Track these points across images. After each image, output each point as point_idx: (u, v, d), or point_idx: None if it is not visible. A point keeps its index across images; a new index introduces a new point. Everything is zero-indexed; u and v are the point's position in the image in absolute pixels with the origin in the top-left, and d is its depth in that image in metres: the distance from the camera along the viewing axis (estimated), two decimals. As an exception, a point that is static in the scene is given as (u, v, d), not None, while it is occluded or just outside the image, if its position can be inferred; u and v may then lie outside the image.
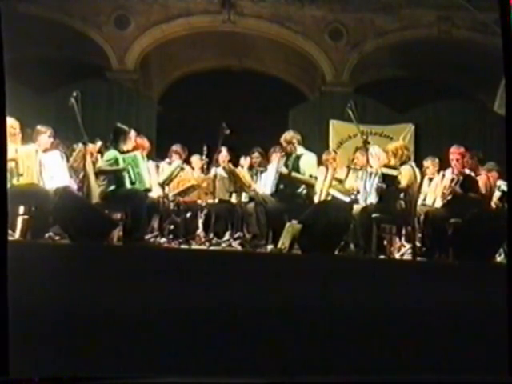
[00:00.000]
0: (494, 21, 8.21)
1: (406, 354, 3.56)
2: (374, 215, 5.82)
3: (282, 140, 6.60)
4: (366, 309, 3.83)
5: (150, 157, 7.00)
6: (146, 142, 7.00)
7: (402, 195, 5.97)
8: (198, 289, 3.88)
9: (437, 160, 7.00)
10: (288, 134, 6.62)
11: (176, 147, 7.31)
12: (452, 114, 9.92)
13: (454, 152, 6.27)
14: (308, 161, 6.45)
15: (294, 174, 6.36)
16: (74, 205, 5.64)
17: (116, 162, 5.98)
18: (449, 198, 6.07)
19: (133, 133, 6.33)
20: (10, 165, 5.46)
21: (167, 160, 7.22)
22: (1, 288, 2.73)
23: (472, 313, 3.80)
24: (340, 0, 10.20)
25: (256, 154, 7.57)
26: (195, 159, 7.36)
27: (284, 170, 6.39)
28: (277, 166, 6.55)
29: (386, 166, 6.15)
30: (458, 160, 6.21)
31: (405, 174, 5.97)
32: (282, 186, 6.41)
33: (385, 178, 6.00)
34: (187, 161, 7.32)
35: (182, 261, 4.75)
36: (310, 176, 6.41)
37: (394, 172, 5.98)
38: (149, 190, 6.13)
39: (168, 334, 3.55)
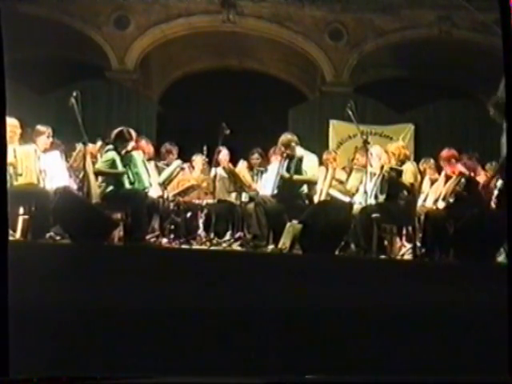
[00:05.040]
0: (494, 21, 8.19)
1: (405, 354, 3.56)
2: (374, 215, 5.82)
3: (279, 143, 6.56)
4: (366, 309, 3.83)
5: (154, 160, 7.02)
6: (150, 148, 7.02)
7: (405, 193, 5.98)
8: (198, 289, 3.88)
9: (432, 161, 7.00)
10: (285, 138, 6.54)
11: (164, 148, 7.27)
12: (452, 114, 9.93)
13: (444, 155, 6.30)
14: (310, 163, 6.43)
15: (295, 177, 6.35)
16: (74, 205, 5.63)
17: (114, 163, 5.98)
18: (449, 198, 6.07)
19: (135, 136, 6.32)
20: (10, 165, 5.46)
21: (163, 162, 7.19)
22: (1, 288, 2.73)
23: (472, 313, 3.80)
24: (340, 0, 10.20)
25: (256, 155, 7.54)
26: (198, 159, 7.34)
27: (286, 174, 6.35)
28: (278, 169, 6.51)
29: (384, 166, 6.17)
30: (449, 162, 6.23)
31: (408, 171, 5.99)
32: (282, 187, 6.40)
33: (389, 176, 6.00)
34: (187, 160, 7.31)
35: (182, 261, 4.75)
36: (313, 175, 6.41)
37: (400, 167, 6.00)
38: (147, 188, 6.12)
39: (168, 333, 3.55)
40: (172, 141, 7.47)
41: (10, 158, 5.41)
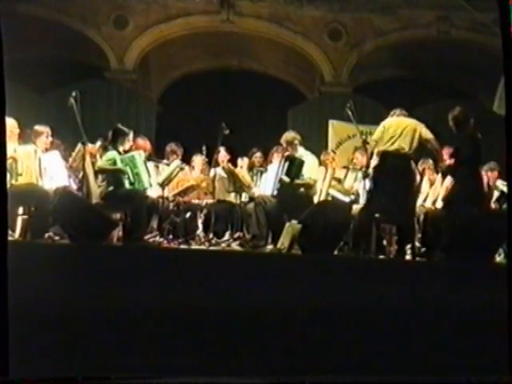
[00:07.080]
0: (494, 21, 8.22)
1: (405, 354, 3.56)
2: (373, 215, 5.81)
3: (282, 140, 6.56)
4: (366, 309, 3.83)
5: (150, 158, 6.99)
6: (147, 144, 7.00)
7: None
8: (197, 289, 3.88)
9: (431, 161, 7.00)
10: (289, 135, 6.58)
11: (170, 147, 7.26)
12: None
13: (445, 153, 6.29)
14: (310, 165, 6.43)
15: (295, 181, 6.32)
16: (73, 205, 5.63)
17: (114, 162, 5.98)
18: (449, 198, 6.06)
19: (132, 134, 6.31)
20: (10, 165, 5.46)
21: (165, 161, 7.18)
22: (1, 288, 2.73)
23: (472, 313, 3.80)
24: (339, 0, 10.21)
25: (259, 154, 7.49)
26: (198, 159, 7.33)
27: (285, 179, 6.32)
28: (278, 169, 6.49)
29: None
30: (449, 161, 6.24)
31: None
32: (281, 187, 6.38)
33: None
34: (187, 160, 7.30)
35: (181, 261, 4.74)
36: (310, 178, 6.41)
37: None
38: (147, 189, 6.12)
39: (168, 333, 3.55)
40: (171, 141, 7.46)
41: (9, 158, 5.42)
